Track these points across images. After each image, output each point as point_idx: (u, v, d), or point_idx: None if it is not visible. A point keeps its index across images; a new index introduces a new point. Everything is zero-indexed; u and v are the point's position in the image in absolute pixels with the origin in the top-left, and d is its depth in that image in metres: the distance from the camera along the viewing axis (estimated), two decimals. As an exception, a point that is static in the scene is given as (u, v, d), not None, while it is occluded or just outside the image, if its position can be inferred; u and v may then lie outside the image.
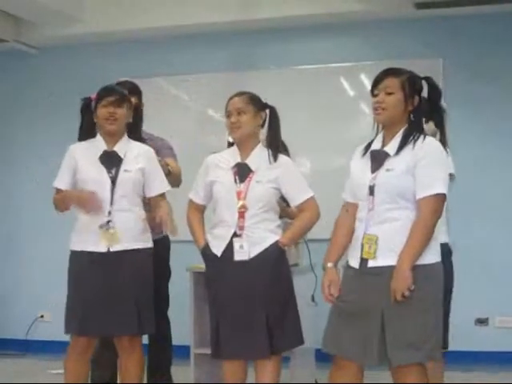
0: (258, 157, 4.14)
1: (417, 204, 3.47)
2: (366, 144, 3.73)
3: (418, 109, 3.61)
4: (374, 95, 3.62)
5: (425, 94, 3.69)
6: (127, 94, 4.37)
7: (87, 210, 4.16)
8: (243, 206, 4.04)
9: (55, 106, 7.24)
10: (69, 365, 4.26)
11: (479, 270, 6.23)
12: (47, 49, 7.33)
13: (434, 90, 3.68)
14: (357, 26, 6.68)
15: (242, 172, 4.11)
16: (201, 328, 5.08)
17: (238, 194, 4.07)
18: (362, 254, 3.54)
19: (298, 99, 6.68)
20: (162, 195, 4.37)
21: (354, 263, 3.60)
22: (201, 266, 4.45)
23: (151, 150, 4.40)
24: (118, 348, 4.31)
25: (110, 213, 4.17)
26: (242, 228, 4.04)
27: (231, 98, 4.22)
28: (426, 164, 3.46)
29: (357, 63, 6.65)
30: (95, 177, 4.19)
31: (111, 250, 4.16)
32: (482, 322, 6.44)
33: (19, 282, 7.44)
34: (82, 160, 4.26)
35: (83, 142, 4.34)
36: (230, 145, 4.29)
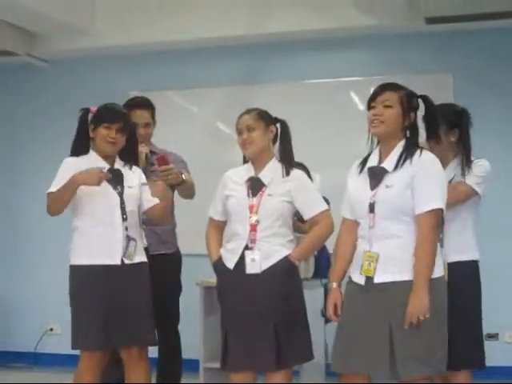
0: (271, 171, 4.16)
1: (415, 220, 3.49)
2: (361, 160, 3.74)
3: (414, 126, 3.63)
4: (370, 107, 3.64)
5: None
6: (129, 120, 4.36)
7: (97, 182, 4.08)
8: (255, 220, 4.06)
9: (66, 119, 7.22)
10: (83, 377, 4.22)
11: (489, 284, 6.18)
12: (58, 62, 7.36)
13: (431, 108, 3.68)
14: (367, 40, 6.69)
15: (255, 186, 4.13)
16: (210, 342, 5.09)
17: (251, 207, 4.08)
18: (361, 272, 3.56)
19: (307, 113, 6.68)
20: (152, 208, 4.36)
21: (359, 279, 3.60)
22: (211, 280, 4.46)
23: (139, 169, 4.42)
24: (124, 359, 4.29)
25: (126, 228, 4.18)
26: (253, 241, 4.05)
27: (240, 116, 4.24)
28: (422, 178, 3.48)
29: (367, 77, 6.63)
30: (102, 192, 4.16)
31: (126, 262, 4.17)
32: (491, 336, 6.41)
33: (28, 294, 7.44)
34: None
35: (78, 158, 4.27)
36: (246, 161, 4.30)
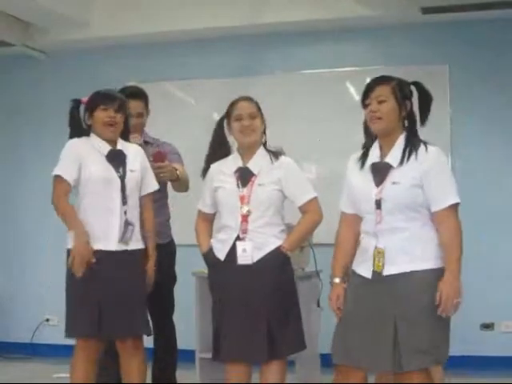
0: (260, 160, 4.15)
1: (436, 217, 3.49)
2: (360, 155, 3.70)
3: (411, 114, 3.62)
4: (365, 105, 3.62)
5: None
6: (126, 100, 4.36)
7: (75, 265, 4.08)
8: (247, 210, 4.05)
9: (63, 110, 7.23)
10: (78, 367, 4.21)
11: (485, 274, 6.23)
12: (55, 53, 7.36)
13: (425, 95, 3.65)
14: (363, 30, 6.69)
15: (244, 176, 4.12)
16: (206, 332, 5.08)
17: (241, 198, 4.07)
18: (373, 268, 3.54)
19: (303, 104, 6.70)
20: (150, 195, 4.39)
21: (365, 273, 3.58)
22: (206, 270, 4.46)
23: (142, 150, 4.42)
24: (120, 350, 4.28)
25: (125, 212, 4.18)
26: (245, 231, 4.05)
27: (238, 102, 4.24)
28: (435, 176, 3.48)
29: (362, 68, 6.63)
30: (105, 175, 4.17)
31: (120, 249, 4.15)
32: (487, 326, 6.43)
33: (24, 285, 7.46)
34: (89, 157, 4.20)
35: (81, 139, 4.28)
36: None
